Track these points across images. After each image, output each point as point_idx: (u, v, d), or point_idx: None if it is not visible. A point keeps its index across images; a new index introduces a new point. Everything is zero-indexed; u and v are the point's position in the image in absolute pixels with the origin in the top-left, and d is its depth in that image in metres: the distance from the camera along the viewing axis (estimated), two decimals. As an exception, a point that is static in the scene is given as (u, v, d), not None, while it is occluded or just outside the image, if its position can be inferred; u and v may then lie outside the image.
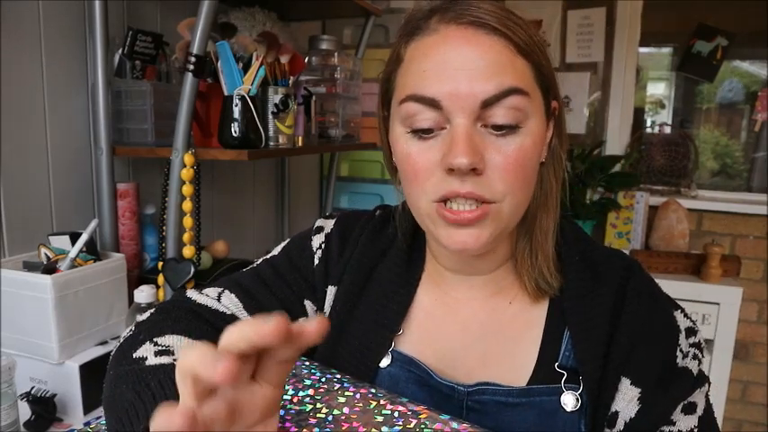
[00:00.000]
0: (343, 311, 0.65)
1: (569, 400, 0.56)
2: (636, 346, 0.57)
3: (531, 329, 0.61)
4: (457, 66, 0.50)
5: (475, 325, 0.62)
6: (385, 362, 0.62)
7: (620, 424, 0.56)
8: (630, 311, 0.58)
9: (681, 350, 0.58)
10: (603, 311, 0.58)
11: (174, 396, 0.41)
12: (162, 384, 0.42)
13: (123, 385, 0.44)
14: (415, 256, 0.66)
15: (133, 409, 0.41)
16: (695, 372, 0.57)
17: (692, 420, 0.56)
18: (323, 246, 0.68)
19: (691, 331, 0.60)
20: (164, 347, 0.50)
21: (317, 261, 0.68)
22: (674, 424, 0.56)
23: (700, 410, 0.57)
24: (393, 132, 0.57)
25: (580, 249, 0.62)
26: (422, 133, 0.53)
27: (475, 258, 0.61)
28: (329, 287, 0.67)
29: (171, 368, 0.45)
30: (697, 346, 0.59)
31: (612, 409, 0.57)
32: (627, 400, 0.56)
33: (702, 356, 0.59)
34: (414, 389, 0.60)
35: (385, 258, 0.66)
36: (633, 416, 0.56)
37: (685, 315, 0.61)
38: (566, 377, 0.57)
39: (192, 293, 0.64)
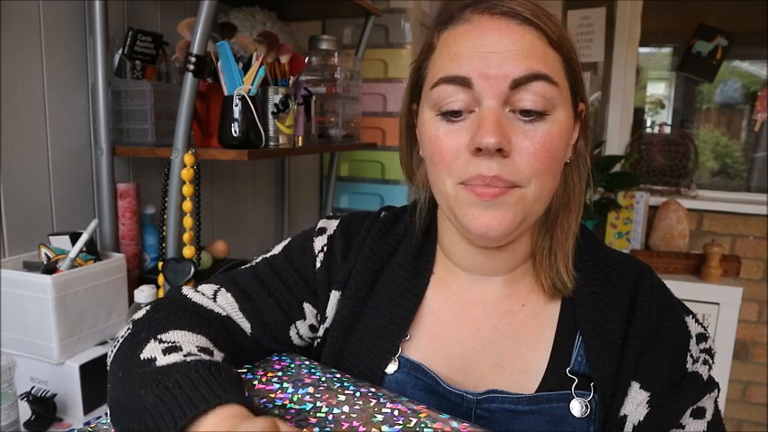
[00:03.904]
0: (349, 317, 0.63)
1: (577, 407, 0.56)
2: (646, 351, 0.57)
3: (542, 332, 0.60)
4: (489, 49, 0.51)
5: (486, 329, 0.61)
6: (392, 368, 0.60)
7: (628, 427, 0.56)
8: (642, 317, 0.58)
9: (691, 355, 0.58)
10: (617, 318, 0.58)
11: (192, 393, 0.41)
12: (180, 384, 0.42)
13: (141, 390, 0.44)
14: (423, 258, 0.65)
15: (158, 413, 0.41)
16: (705, 377, 0.57)
17: (700, 425, 0.56)
18: (325, 249, 0.66)
19: (702, 337, 0.60)
20: (170, 344, 0.49)
21: (318, 264, 0.66)
22: (683, 428, 0.56)
23: (709, 415, 0.57)
24: (422, 119, 0.57)
25: (593, 254, 0.62)
26: (451, 116, 0.53)
27: (495, 253, 0.60)
28: (333, 291, 0.65)
29: (183, 365, 0.44)
30: (707, 351, 0.59)
31: (621, 413, 0.56)
32: (636, 404, 0.56)
33: (713, 362, 0.59)
34: (421, 396, 0.59)
35: (392, 261, 0.65)
36: (642, 419, 0.55)
37: (696, 321, 0.61)
38: (576, 383, 0.57)
39: (187, 291, 0.63)
